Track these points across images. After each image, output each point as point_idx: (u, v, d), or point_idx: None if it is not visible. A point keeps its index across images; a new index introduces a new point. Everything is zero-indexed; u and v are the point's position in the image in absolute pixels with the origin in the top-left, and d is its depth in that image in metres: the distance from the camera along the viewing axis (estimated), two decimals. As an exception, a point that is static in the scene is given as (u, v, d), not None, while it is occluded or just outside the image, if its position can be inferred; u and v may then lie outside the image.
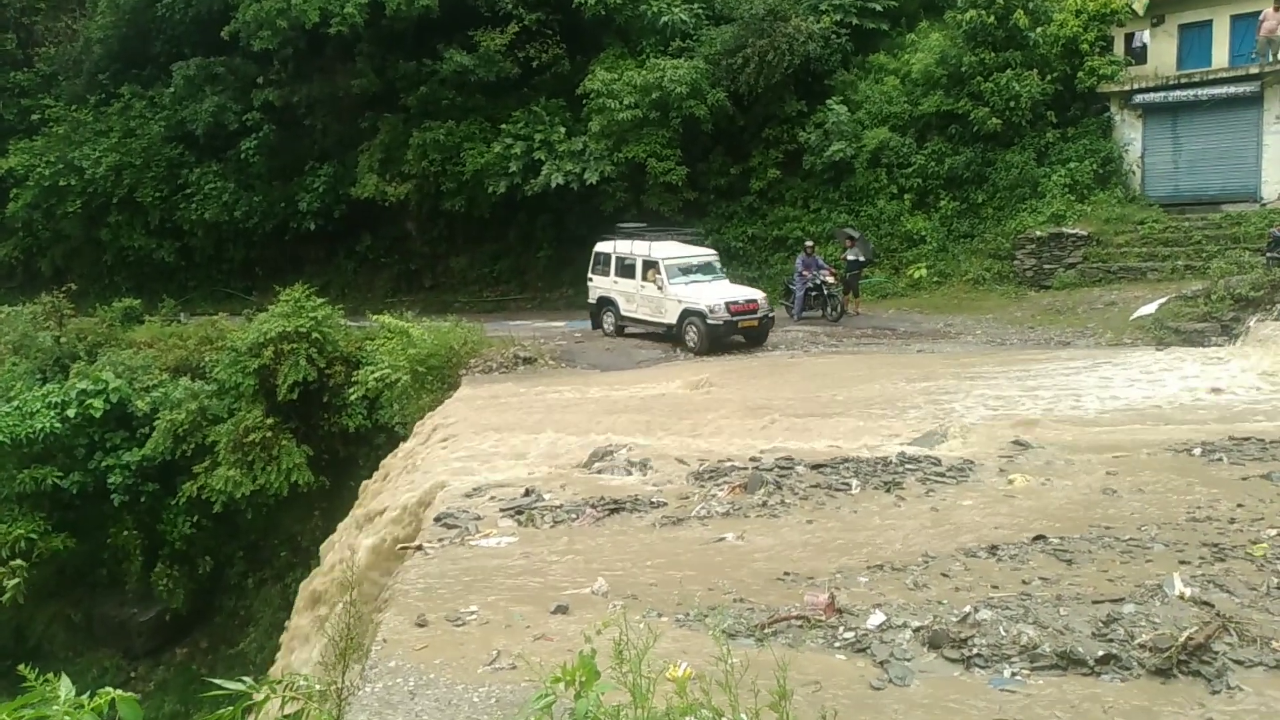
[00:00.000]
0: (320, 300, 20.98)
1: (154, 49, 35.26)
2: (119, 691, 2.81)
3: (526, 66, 28.38)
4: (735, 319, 18.57)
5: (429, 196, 29.77)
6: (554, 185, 26.46)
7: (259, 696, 3.76)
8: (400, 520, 9.88)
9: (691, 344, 18.69)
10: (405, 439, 14.87)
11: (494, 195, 27.84)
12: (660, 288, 19.34)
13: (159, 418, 20.26)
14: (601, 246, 21.44)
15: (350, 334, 21.21)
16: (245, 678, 3.65)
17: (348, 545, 11.28)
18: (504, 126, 27.83)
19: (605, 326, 21.20)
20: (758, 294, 19.53)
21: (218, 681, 3.44)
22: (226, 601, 21.81)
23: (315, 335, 19.81)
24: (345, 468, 19.75)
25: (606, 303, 21.10)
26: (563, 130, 27.24)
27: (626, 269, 20.35)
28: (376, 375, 17.99)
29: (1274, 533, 6.91)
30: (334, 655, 4.43)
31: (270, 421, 19.37)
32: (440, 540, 7.83)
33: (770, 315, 19.31)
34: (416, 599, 6.46)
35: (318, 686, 4.47)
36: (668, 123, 25.85)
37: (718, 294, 18.91)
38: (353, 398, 19.11)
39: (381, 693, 5.02)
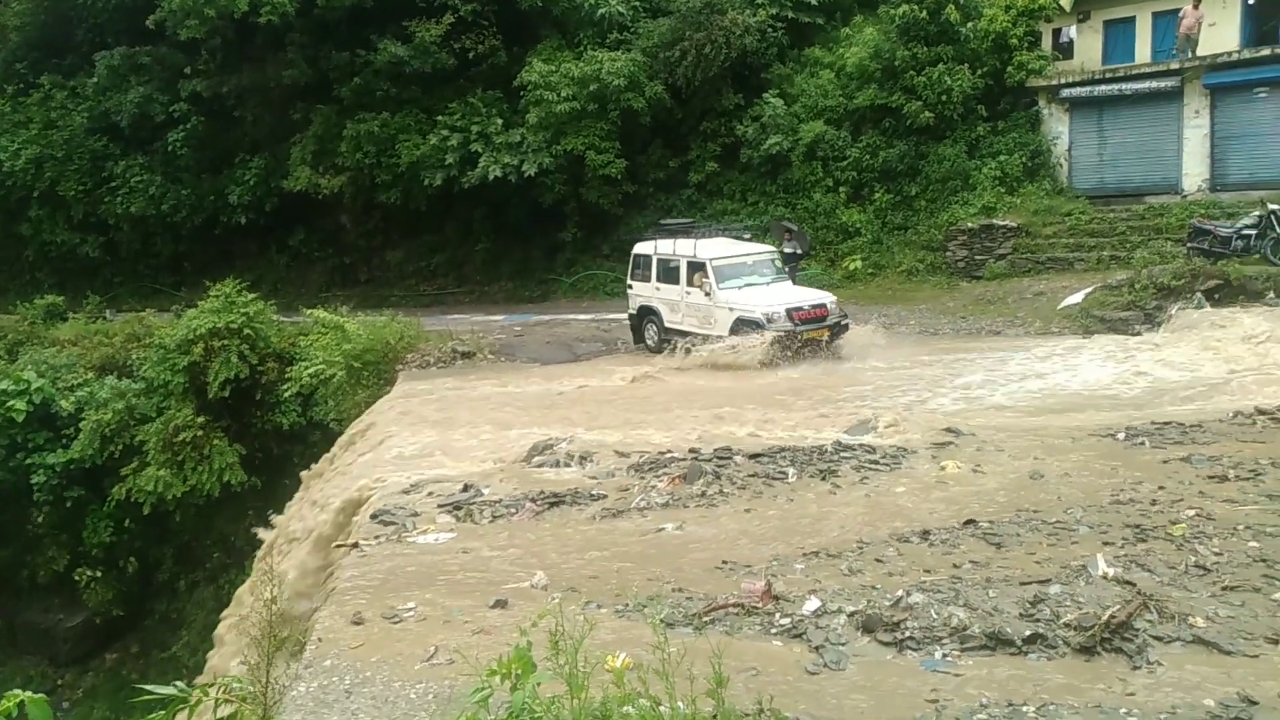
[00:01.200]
0: (252, 295, 20.56)
1: (76, 37, 34.06)
2: (28, 693, 2.75)
3: (463, 58, 28.05)
4: (800, 328, 15.64)
5: (363, 189, 29.28)
6: (491, 177, 26.21)
7: (191, 700, 3.70)
8: (334, 522, 9.73)
9: (747, 360, 15.75)
10: (340, 436, 14.67)
11: (430, 188, 27.49)
12: (708, 293, 16.48)
13: (84, 418, 19.71)
14: (641, 248, 18.47)
15: (283, 330, 20.83)
16: (178, 682, 3.58)
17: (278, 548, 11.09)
18: (440, 118, 27.47)
19: (648, 341, 18.02)
20: (827, 296, 16.79)
21: (149, 687, 3.38)
22: (158, 605, 21.30)
23: (247, 331, 19.43)
24: (279, 466, 19.41)
25: (648, 313, 17.97)
26: (500, 122, 26.99)
27: (670, 273, 17.41)
28: (311, 371, 17.67)
29: (1193, 513, 7.16)
30: (258, 655, 4.37)
31: (201, 420, 18.97)
32: (377, 538, 7.76)
33: (843, 321, 16.45)
34: (353, 597, 6.39)
35: (250, 688, 4.41)
36: (606, 115, 25.80)
37: (778, 299, 16.13)
38: (286, 395, 18.81)
39: (316, 691, 4.96)
